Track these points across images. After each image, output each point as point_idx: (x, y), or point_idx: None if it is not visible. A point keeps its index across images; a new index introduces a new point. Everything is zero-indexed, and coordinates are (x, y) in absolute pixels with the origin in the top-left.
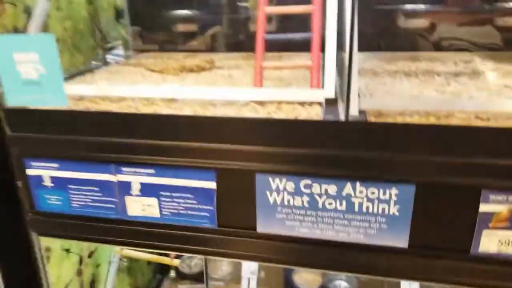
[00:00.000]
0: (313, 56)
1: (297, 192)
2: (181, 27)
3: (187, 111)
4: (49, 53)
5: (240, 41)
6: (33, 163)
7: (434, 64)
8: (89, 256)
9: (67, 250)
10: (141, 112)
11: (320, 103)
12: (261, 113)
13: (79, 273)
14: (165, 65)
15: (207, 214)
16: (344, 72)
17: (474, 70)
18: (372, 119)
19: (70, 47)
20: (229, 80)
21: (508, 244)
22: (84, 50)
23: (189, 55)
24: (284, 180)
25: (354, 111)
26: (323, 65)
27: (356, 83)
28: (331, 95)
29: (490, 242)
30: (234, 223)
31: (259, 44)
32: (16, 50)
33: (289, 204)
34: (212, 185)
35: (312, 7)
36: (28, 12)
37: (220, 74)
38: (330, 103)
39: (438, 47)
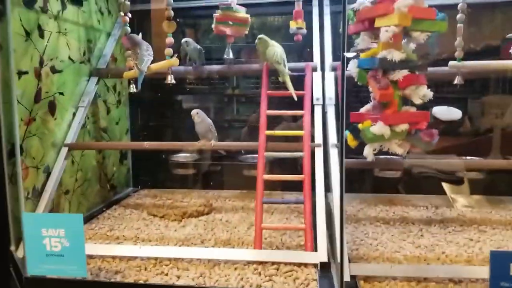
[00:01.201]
0: (305, 221)
1: None
2: (180, 171)
3: (192, 271)
4: (75, 229)
5: (235, 181)
6: None
7: (408, 208)
8: None
9: None
10: (149, 282)
11: (315, 265)
12: (262, 274)
13: None
14: (166, 210)
15: None
16: (333, 223)
17: (443, 218)
18: (361, 282)
19: (79, 196)
20: (227, 226)
21: None
22: (89, 196)
23: (186, 192)
24: None
25: (346, 277)
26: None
27: (346, 253)
28: (325, 258)
29: None
30: None
31: (258, 209)
32: (45, 226)
33: None
34: None
35: (303, 176)
36: (47, 171)
37: (218, 219)
38: (324, 266)
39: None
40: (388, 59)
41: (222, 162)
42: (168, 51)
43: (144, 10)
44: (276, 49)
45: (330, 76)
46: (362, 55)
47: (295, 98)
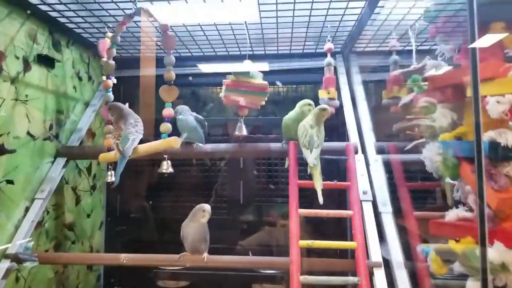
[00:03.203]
0: None
1: None
2: (166, 283)
3: None
4: None
5: None
6: None
7: None
8: None
9: None
10: None
11: None
12: None
13: None
14: None
15: None
16: None
17: None
18: None
19: None
20: None
21: None
22: None
23: None
24: None
25: None
26: None
27: None
28: None
29: None
30: None
31: None
32: None
33: None
34: None
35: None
36: None
37: None
38: None
39: None
40: (502, 144)
41: (222, 272)
42: (166, 127)
43: (131, 77)
44: (308, 129)
45: (376, 160)
46: (443, 136)
47: (321, 201)
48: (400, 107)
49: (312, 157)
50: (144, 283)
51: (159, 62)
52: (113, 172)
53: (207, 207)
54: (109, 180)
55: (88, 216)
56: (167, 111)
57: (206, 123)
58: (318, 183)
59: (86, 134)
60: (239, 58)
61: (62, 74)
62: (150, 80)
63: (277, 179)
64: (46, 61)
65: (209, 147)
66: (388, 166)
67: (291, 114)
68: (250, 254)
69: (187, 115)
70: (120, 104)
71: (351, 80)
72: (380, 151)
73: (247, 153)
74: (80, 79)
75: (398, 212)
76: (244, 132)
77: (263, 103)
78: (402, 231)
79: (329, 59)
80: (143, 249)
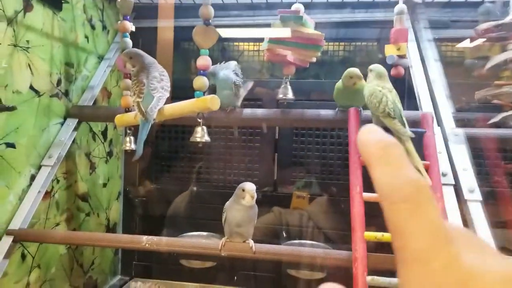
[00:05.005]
0: None
1: None
2: (192, 262)
3: None
4: None
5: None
6: None
7: None
8: None
9: None
10: None
11: None
12: None
13: None
14: None
15: None
16: None
17: None
18: None
19: None
20: None
21: None
22: None
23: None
24: None
25: None
26: None
27: None
28: None
29: None
30: None
31: None
32: None
33: None
34: None
35: None
36: None
37: None
38: None
39: None
40: None
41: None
42: (201, 82)
43: (152, 29)
44: (386, 94)
45: (457, 135)
46: None
47: (429, 182)
48: (487, 70)
49: (404, 126)
50: (165, 260)
51: (182, 11)
52: (132, 138)
53: (248, 186)
54: (127, 148)
55: (104, 185)
56: (203, 61)
57: (241, 84)
58: (418, 160)
59: (101, 93)
60: (280, 6)
61: (71, 19)
62: (168, 33)
63: (317, 153)
64: (51, 1)
65: (247, 112)
66: (470, 143)
67: (340, 83)
68: (284, 234)
69: (230, 73)
70: (141, 52)
71: (419, 36)
72: (459, 123)
73: (291, 121)
74: (93, 27)
75: (488, 202)
76: (291, 95)
77: (314, 59)
78: (496, 226)
79: (401, 5)
80: (164, 223)
